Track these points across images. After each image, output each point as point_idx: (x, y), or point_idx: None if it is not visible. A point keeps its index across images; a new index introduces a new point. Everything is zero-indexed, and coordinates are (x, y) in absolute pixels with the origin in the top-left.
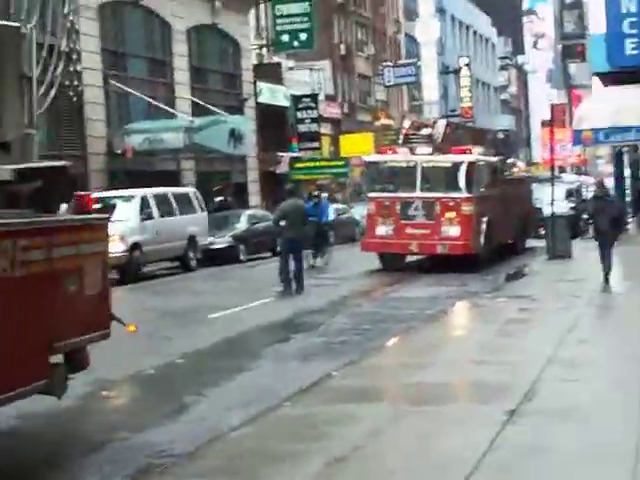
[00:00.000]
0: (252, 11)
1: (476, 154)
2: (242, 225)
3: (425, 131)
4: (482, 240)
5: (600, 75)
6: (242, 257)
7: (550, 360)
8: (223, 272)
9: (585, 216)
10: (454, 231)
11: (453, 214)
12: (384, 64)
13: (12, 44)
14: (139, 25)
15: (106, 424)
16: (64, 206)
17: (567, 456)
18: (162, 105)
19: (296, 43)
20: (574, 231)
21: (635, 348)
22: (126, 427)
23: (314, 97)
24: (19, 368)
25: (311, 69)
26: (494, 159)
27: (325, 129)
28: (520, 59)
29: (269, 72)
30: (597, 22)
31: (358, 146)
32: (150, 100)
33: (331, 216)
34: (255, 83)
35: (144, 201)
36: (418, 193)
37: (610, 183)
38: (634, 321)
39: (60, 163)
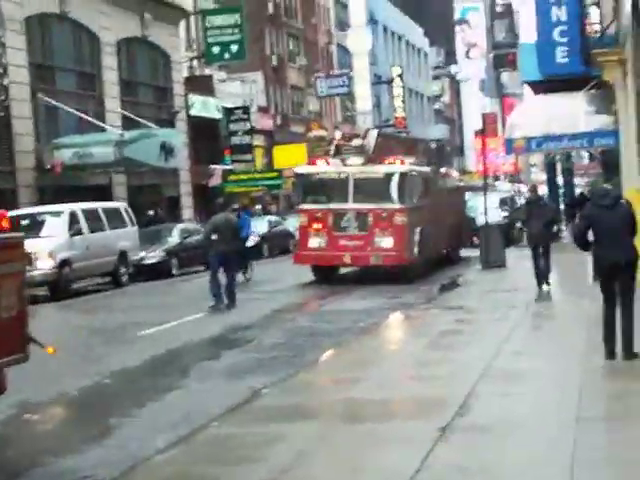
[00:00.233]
0: (182, 23)
1: (408, 164)
2: (174, 239)
3: (356, 142)
4: (416, 250)
5: (531, 84)
6: (174, 271)
7: (484, 373)
8: (155, 287)
9: (519, 224)
10: (387, 242)
11: (386, 225)
12: (316, 75)
13: None
14: (67, 38)
15: (28, 449)
16: None
17: (497, 477)
18: (92, 119)
19: (227, 55)
20: (508, 239)
21: (570, 361)
22: (49, 452)
23: (246, 109)
24: None
25: (243, 81)
26: (427, 169)
27: (258, 141)
28: (453, 69)
29: (201, 84)
30: (528, 31)
31: (291, 157)
32: (79, 114)
33: (250, 230)
34: (186, 95)
35: (73, 216)
36: (350, 204)
37: (543, 191)
38: (569, 331)
39: None
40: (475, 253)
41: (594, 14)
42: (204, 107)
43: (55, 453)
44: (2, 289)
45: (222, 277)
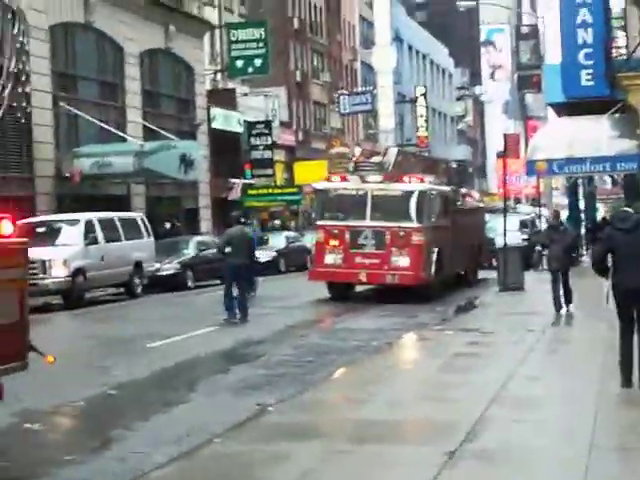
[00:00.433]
0: (207, 36)
1: (428, 183)
2: (190, 251)
3: (376, 159)
4: (433, 270)
5: (554, 106)
6: (190, 284)
7: (496, 397)
8: (169, 299)
9: (539, 247)
10: (404, 261)
11: (403, 244)
12: (340, 92)
13: None
14: (91, 47)
15: (27, 459)
16: None
17: None
18: (113, 129)
19: (251, 69)
20: (527, 263)
21: (585, 387)
22: (48, 462)
23: (268, 124)
24: None
25: (266, 95)
26: (446, 189)
27: (279, 156)
28: (477, 90)
29: (223, 98)
30: (553, 53)
31: (312, 174)
32: (100, 123)
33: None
34: (209, 108)
35: (89, 225)
36: (368, 222)
37: (565, 214)
38: (585, 357)
39: None
40: (493, 275)
41: (620, 37)
42: (226, 120)
43: (54, 463)
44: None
45: (235, 290)
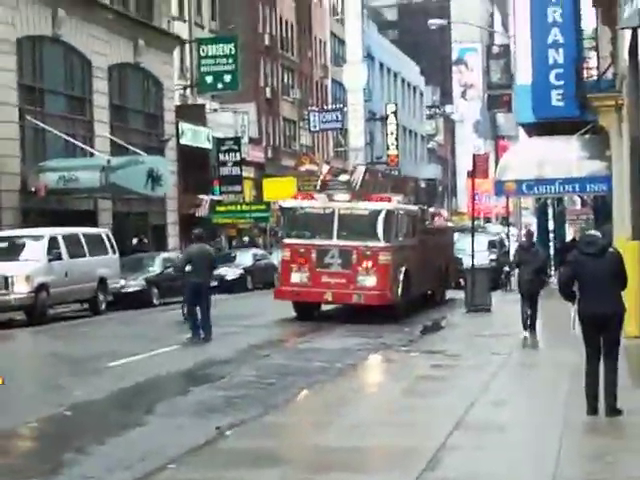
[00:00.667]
0: (176, 51)
1: (395, 202)
2: (156, 268)
3: (343, 177)
4: (400, 290)
5: (525, 126)
6: (155, 301)
7: (459, 423)
8: (133, 316)
9: (506, 268)
10: (370, 281)
11: (370, 263)
12: (310, 109)
13: None
14: (58, 61)
15: None
16: None
17: None
18: (80, 143)
19: (220, 85)
20: (495, 283)
21: (550, 414)
22: None
23: (237, 140)
24: None
25: (235, 112)
26: (414, 208)
27: (248, 173)
28: (448, 108)
29: (192, 113)
30: (523, 72)
31: (281, 191)
32: (67, 138)
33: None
34: (177, 124)
35: (53, 241)
36: (335, 241)
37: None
38: (551, 383)
39: None
40: (461, 295)
41: (591, 58)
42: (195, 136)
43: None
44: None
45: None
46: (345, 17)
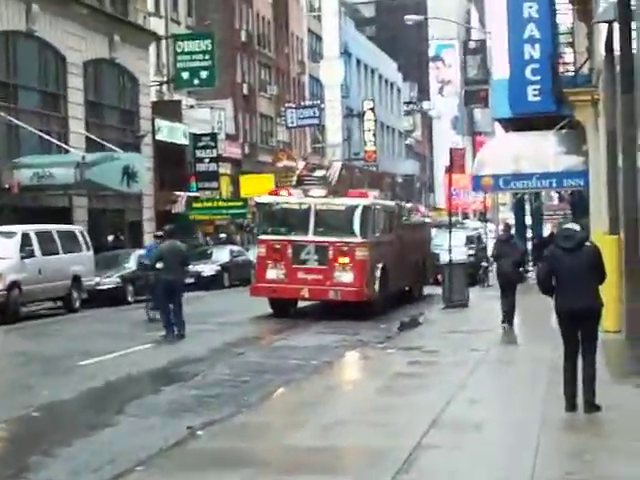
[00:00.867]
0: (152, 47)
1: (372, 198)
2: (131, 265)
3: (319, 173)
4: (377, 286)
5: (501, 121)
6: (130, 298)
7: (436, 422)
8: (107, 314)
9: (484, 263)
10: (347, 277)
11: (347, 259)
12: (287, 105)
13: None
14: (33, 56)
15: None
16: None
17: None
18: (54, 139)
19: (197, 81)
20: (473, 279)
21: (528, 411)
22: None
23: (214, 136)
24: None
25: (212, 108)
26: (391, 203)
27: (225, 169)
28: (425, 105)
29: (168, 109)
30: (500, 68)
31: (258, 187)
32: (42, 134)
33: None
34: (153, 120)
35: (25, 238)
36: (311, 237)
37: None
38: (530, 379)
39: None
40: (438, 291)
41: (568, 53)
42: (171, 132)
43: None
44: None
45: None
46: (322, 13)
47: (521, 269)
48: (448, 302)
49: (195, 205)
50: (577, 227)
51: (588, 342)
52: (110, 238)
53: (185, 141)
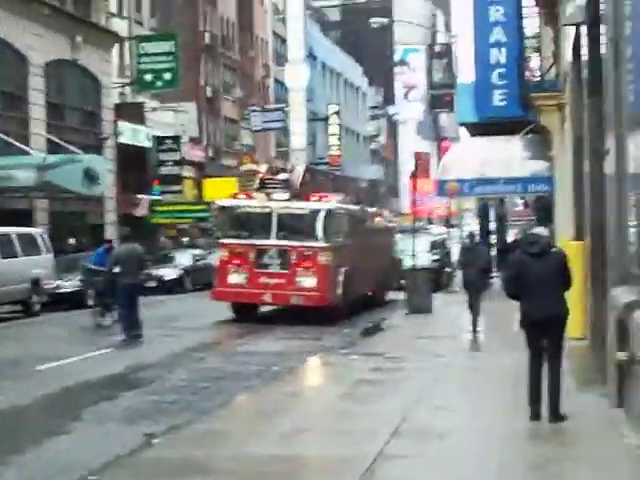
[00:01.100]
0: (116, 48)
1: (335, 202)
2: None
3: (282, 176)
4: (339, 292)
5: (467, 125)
6: (90, 302)
7: (398, 430)
8: (67, 318)
9: (448, 269)
10: (310, 282)
11: (309, 264)
12: (251, 108)
13: None
14: None
15: None
16: None
17: None
18: (14, 141)
19: (160, 83)
20: (437, 284)
21: (492, 420)
22: None
23: (177, 139)
24: None
25: (175, 110)
26: (354, 208)
27: (189, 172)
28: (391, 109)
29: (131, 112)
30: (466, 72)
31: (222, 191)
32: (1, 135)
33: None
34: (116, 122)
35: None
36: (273, 241)
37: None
38: (494, 387)
39: None
40: (402, 296)
41: (534, 58)
42: (134, 135)
43: None
44: None
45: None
46: (287, 16)
47: (487, 276)
48: (411, 308)
49: (158, 208)
50: (545, 232)
51: (553, 350)
52: (71, 241)
53: (148, 144)
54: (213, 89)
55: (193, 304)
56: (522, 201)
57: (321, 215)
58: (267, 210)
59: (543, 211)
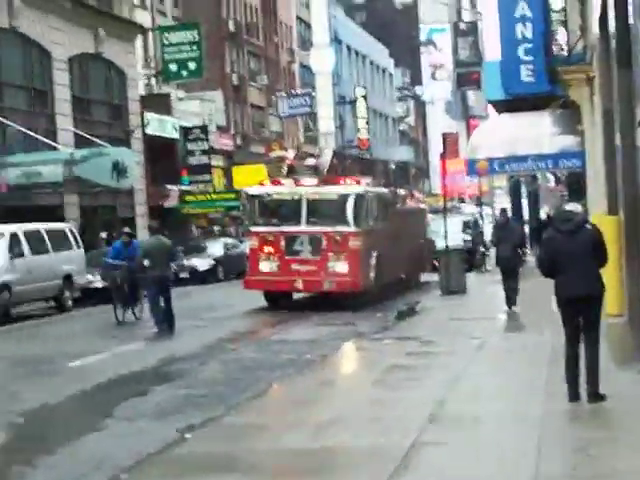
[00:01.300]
0: (140, 40)
1: (365, 185)
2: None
3: (310, 161)
4: (372, 276)
5: (495, 103)
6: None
7: (433, 417)
8: (100, 313)
9: (482, 249)
10: (341, 267)
11: (340, 249)
12: (278, 94)
13: None
14: (17, 53)
15: None
16: None
17: None
18: (42, 137)
19: (185, 72)
20: (470, 264)
21: (529, 403)
22: None
23: (204, 128)
24: None
25: (202, 100)
26: (384, 190)
27: (217, 161)
28: (418, 90)
29: (158, 103)
30: (492, 49)
31: (251, 178)
32: (29, 132)
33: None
34: (142, 114)
35: (14, 238)
36: (303, 227)
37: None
38: (530, 368)
39: None
40: (436, 278)
41: (560, 32)
42: (161, 126)
43: None
44: None
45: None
46: (311, 1)
47: (522, 252)
48: (445, 289)
49: (188, 199)
50: (578, 207)
51: (590, 328)
52: (103, 235)
53: (175, 134)
54: (239, 77)
55: (226, 294)
56: (554, 177)
57: (351, 199)
58: (296, 196)
59: (575, 186)
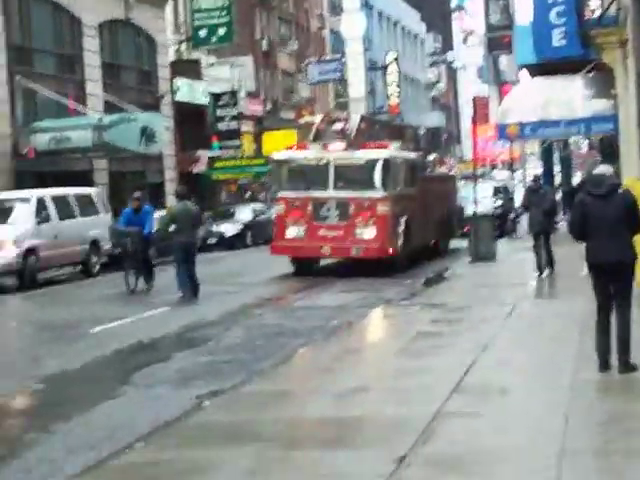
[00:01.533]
0: (169, 6)
1: (393, 150)
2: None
3: (338, 126)
4: (400, 242)
5: (527, 67)
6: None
7: (457, 387)
8: None
9: (512, 215)
10: (369, 233)
11: (368, 214)
12: (308, 60)
13: None
14: (47, 19)
15: None
16: None
17: None
18: (72, 102)
19: (214, 38)
20: (501, 230)
21: (558, 372)
22: None
23: (234, 94)
24: None
25: (232, 65)
26: (413, 155)
27: (247, 127)
28: (449, 55)
29: (187, 68)
30: (523, 12)
31: (282, 144)
32: (59, 97)
33: (153, 227)
34: (172, 80)
35: (41, 203)
36: (331, 192)
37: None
38: (559, 337)
39: None
40: (466, 245)
41: None
42: (190, 92)
43: None
44: None
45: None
46: None
47: (554, 217)
48: (475, 256)
49: (217, 164)
50: (610, 170)
51: (621, 296)
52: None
53: (205, 100)
54: (269, 42)
55: (253, 259)
56: (587, 142)
57: (379, 164)
58: (323, 161)
59: (608, 150)
